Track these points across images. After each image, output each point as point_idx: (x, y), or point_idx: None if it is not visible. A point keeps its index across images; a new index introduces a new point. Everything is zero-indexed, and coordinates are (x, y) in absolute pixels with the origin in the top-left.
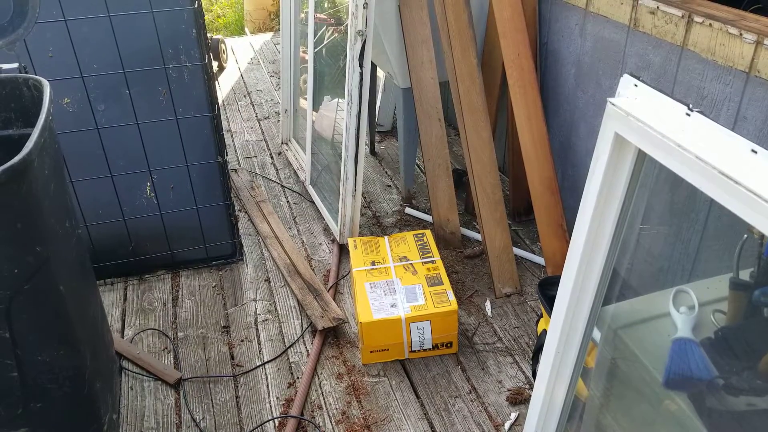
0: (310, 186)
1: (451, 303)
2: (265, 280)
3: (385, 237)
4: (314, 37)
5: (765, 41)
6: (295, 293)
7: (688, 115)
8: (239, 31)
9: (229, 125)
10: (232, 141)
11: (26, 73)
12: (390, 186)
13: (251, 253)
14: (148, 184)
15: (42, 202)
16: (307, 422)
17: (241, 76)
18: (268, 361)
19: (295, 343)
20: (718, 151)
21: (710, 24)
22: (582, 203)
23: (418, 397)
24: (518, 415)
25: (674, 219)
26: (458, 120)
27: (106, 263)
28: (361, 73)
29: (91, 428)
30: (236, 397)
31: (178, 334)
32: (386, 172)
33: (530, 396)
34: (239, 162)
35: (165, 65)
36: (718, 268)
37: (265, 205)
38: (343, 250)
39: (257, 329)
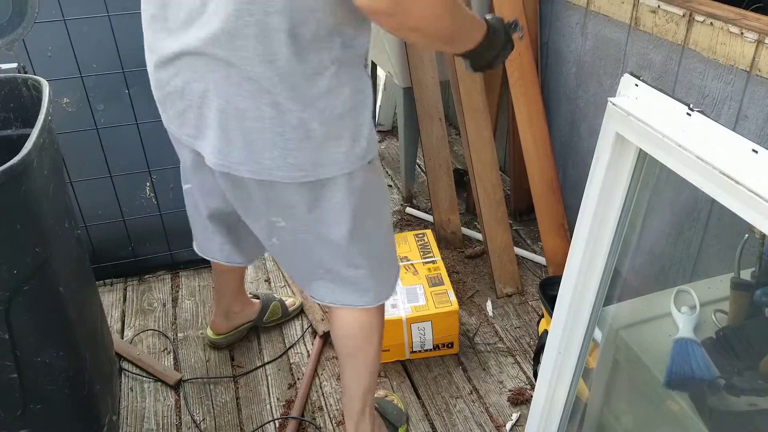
0: None
1: (452, 303)
2: (266, 281)
3: None
4: None
5: (766, 40)
6: (296, 293)
7: (688, 114)
8: None
9: None
10: None
11: (25, 72)
12: (390, 185)
13: None
14: (148, 184)
15: (41, 203)
16: (307, 423)
17: None
18: (268, 362)
19: (295, 344)
20: (718, 150)
21: (711, 23)
22: (583, 203)
23: (419, 397)
24: (519, 415)
25: (675, 219)
26: (459, 119)
27: (106, 264)
28: None
29: (91, 429)
30: (236, 398)
31: (178, 334)
32: (387, 172)
33: (532, 396)
34: None
35: None
36: (720, 268)
37: None
38: None
39: (257, 330)
